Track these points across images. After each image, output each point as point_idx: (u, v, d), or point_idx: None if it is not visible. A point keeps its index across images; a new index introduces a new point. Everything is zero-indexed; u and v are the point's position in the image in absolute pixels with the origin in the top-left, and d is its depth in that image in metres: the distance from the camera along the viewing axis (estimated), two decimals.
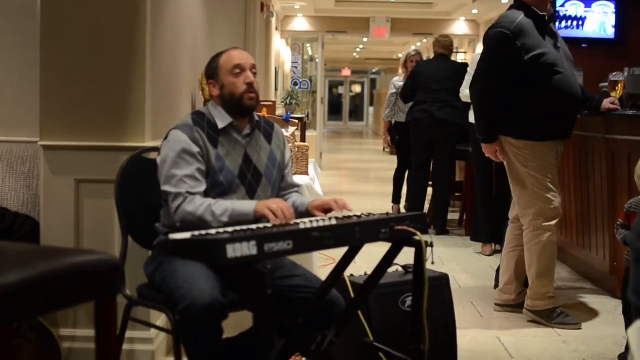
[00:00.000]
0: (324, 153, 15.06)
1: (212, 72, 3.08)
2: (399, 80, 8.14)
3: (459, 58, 15.72)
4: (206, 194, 2.91)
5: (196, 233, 2.52)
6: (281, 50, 14.18)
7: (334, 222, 2.67)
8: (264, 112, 5.45)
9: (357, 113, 38.37)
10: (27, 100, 3.79)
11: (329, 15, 14.90)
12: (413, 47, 8.08)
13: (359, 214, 2.87)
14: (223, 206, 2.85)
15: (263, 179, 3.06)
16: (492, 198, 6.28)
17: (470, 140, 6.69)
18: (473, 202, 6.88)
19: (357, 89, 39.16)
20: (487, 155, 4.56)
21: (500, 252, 5.15)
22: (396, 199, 8.24)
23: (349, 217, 2.83)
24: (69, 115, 3.48)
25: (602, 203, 5.03)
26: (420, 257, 2.84)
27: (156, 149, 3.16)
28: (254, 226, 2.64)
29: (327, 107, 16.96)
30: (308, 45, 16.95)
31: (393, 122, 8.20)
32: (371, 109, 33.99)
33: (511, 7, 4.45)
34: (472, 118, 6.16)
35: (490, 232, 6.37)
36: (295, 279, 2.95)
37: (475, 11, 13.64)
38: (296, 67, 14.86)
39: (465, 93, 6.28)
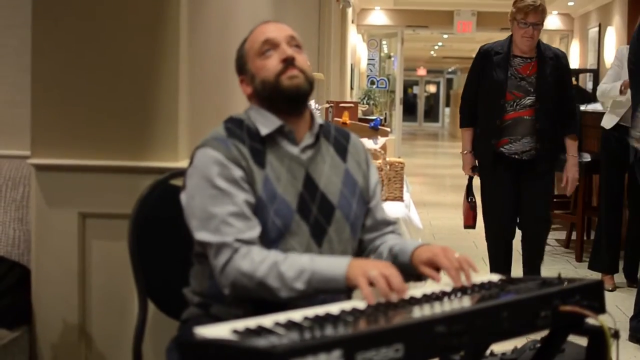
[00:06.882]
0: (402, 158, 14.03)
1: (240, 65, 2.08)
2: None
3: None
4: None
5: (239, 326, 1.49)
6: (357, 46, 13.15)
7: (466, 303, 1.63)
8: (346, 117, 4.33)
9: (431, 114, 37.47)
10: (21, 102, 2.80)
11: (409, 8, 13.92)
12: None
13: (486, 279, 1.86)
14: (297, 265, 1.81)
15: (337, 213, 2.01)
16: (619, 221, 5.25)
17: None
18: (598, 223, 5.60)
19: (431, 88, 38.23)
20: None
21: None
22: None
23: (477, 286, 1.79)
24: (70, 123, 2.49)
25: None
26: (597, 353, 1.78)
27: None
28: (336, 309, 1.60)
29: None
30: (384, 41, 15.96)
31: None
32: (447, 110, 33.39)
33: None
34: (606, 122, 5.21)
35: (613, 261, 5.27)
36: None
37: (571, 3, 12.41)
38: (373, 65, 13.88)
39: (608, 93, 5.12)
